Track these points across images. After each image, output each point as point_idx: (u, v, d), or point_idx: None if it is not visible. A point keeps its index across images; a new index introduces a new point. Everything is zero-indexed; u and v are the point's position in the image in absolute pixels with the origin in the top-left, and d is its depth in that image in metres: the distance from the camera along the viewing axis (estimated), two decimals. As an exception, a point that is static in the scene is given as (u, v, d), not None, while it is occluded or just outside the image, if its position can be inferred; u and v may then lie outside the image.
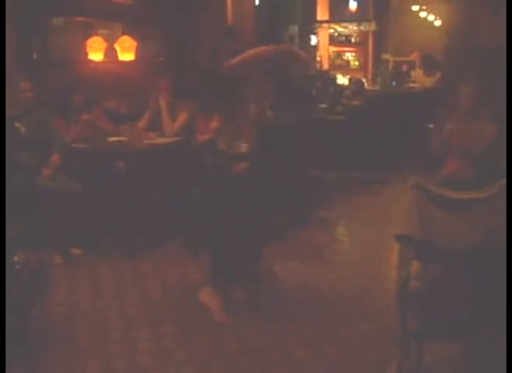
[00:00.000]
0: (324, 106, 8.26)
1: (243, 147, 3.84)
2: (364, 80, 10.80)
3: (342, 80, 11.88)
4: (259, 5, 9.27)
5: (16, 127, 4.67)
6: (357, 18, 13.57)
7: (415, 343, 2.80)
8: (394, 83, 11.31)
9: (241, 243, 3.81)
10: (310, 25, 12.85)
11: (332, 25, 13.72)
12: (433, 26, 12.92)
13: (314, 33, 13.18)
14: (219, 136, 3.85)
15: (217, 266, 3.88)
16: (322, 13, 13.22)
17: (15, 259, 2.86)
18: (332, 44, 14.02)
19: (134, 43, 6.74)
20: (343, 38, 14.23)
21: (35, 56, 6.09)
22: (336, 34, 14.08)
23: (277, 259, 4.80)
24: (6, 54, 5.27)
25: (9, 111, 4.60)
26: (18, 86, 4.77)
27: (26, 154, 4.72)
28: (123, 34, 6.86)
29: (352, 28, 13.83)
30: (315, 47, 13.26)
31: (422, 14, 12.84)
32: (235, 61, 3.78)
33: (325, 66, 13.20)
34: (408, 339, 2.80)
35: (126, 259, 4.81)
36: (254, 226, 3.87)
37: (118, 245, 5.02)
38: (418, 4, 12.66)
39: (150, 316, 3.83)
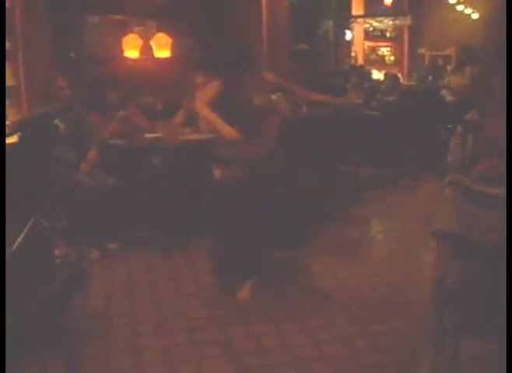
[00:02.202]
0: (359, 101, 8.21)
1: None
2: (400, 75, 10.69)
3: (377, 75, 11.81)
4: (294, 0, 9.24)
5: (55, 123, 4.74)
6: (392, 12, 13.43)
7: (451, 341, 2.78)
8: (430, 78, 11.17)
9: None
10: (344, 20, 12.75)
11: (367, 19, 13.61)
12: (471, 19, 12.71)
13: (349, 28, 13.09)
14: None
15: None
16: (357, 8, 13.11)
17: (55, 252, 2.90)
18: (367, 39, 13.92)
19: (169, 40, 6.80)
20: (378, 33, 14.11)
21: (72, 54, 6.20)
22: (371, 29, 13.97)
23: (312, 255, 4.81)
24: (44, 52, 5.37)
25: (48, 108, 4.68)
26: (55, 84, 4.85)
27: (65, 150, 4.81)
28: (158, 31, 6.92)
29: (387, 22, 13.71)
30: (350, 42, 13.18)
31: (459, 7, 12.62)
32: None
33: (360, 61, 13.13)
34: (443, 337, 2.78)
35: (161, 254, 4.87)
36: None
37: (153, 240, 5.10)
38: (455, -4, 12.46)
39: (184, 310, 3.87)
